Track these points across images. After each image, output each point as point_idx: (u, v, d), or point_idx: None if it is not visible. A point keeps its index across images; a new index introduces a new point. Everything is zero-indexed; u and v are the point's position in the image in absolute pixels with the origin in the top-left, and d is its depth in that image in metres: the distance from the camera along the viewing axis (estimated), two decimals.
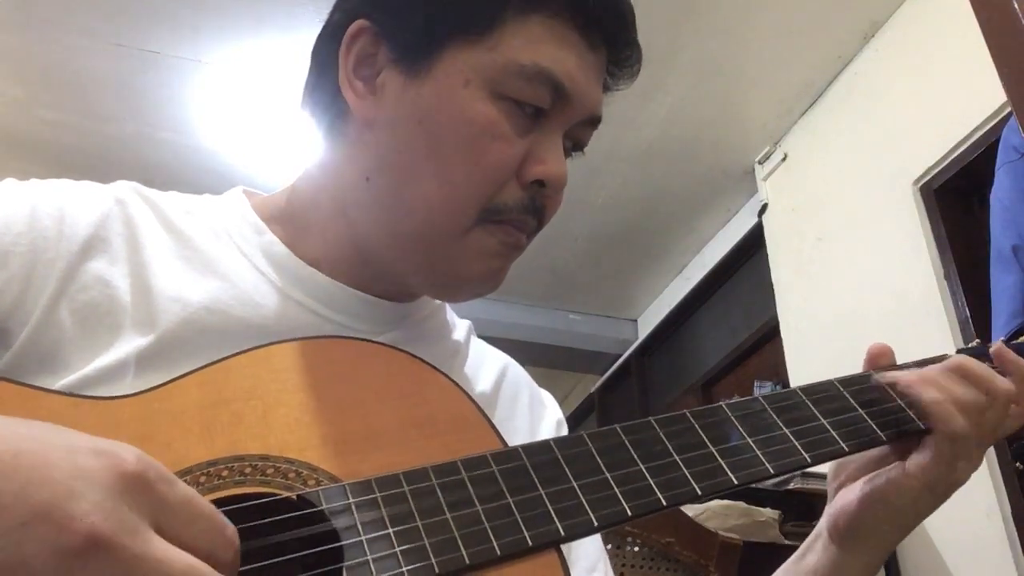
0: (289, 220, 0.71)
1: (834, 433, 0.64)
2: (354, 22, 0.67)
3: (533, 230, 0.68)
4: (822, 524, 0.72)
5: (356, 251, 0.69)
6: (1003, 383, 0.68)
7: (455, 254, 0.65)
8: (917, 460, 0.66)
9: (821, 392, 0.67)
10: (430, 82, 0.64)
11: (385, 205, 0.66)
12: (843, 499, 0.70)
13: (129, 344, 0.59)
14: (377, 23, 0.66)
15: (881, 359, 0.73)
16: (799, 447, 0.62)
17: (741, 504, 2.26)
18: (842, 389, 0.68)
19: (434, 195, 0.64)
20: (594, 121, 0.70)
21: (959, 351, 0.76)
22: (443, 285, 0.69)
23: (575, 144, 0.70)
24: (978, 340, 0.84)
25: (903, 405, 0.68)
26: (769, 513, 2.29)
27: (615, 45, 0.69)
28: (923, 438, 0.66)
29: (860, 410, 0.67)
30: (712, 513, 2.17)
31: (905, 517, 0.68)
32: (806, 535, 0.74)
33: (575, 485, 0.54)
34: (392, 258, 0.68)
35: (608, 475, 0.55)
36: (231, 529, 0.41)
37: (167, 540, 0.37)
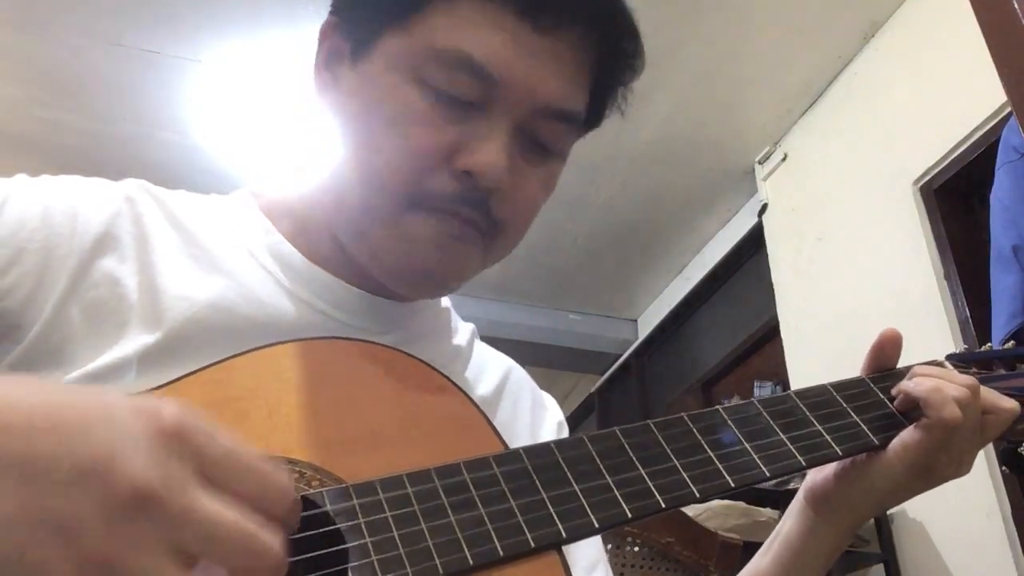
0: (295, 219, 0.72)
1: (828, 438, 0.65)
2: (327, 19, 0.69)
3: (485, 227, 0.65)
4: (800, 489, 0.73)
5: None
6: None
7: (393, 241, 0.65)
8: (902, 439, 0.67)
9: (815, 396, 0.68)
10: (363, 69, 0.65)
11: (340, 195, 0.67)
12: (824, 467, 0.70)
13: (134, 342, 0.59)
14: (340, 18, 0.68)
15: (890, 346, 0.73)
16: (794, 451, 0.63)
17: (741, 504, 2.27)
18: (836, 394, 0.69)
19: (363, 179, 0.65)
20: (558, 115, 0.65)
21: (948, 356, 0.78)
22: (394, 276, 0.67)
23: (536, 140, 0.65)
24: (966, 347, 0.86)
25: (895, 411, 0.69)
26: (769, 513, 2.29)
27: (600, 29, 0.65)
28: (915, 422, 0.67)
29: (854, 416, 0.68)
30: (712, 513, 2.17)
31: (880, 493, 0.68)
32: None
33: (576, 488, 0.54)
34: (352, 249, 0.68)
35: (608, 478, 0.56)
36: (284, 479, 0.39)
37: (215, 493, 0.36)
